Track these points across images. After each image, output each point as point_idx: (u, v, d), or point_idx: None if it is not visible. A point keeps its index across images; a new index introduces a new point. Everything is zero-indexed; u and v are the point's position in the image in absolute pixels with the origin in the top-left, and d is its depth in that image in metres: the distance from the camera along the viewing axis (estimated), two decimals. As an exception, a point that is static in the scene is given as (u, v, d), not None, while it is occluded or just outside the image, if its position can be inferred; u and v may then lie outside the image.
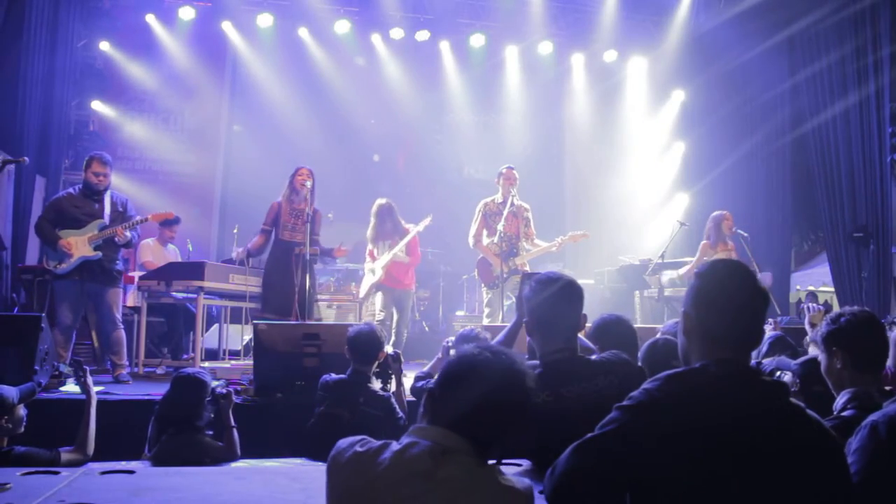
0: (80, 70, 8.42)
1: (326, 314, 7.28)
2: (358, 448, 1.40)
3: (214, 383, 3.45)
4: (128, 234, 5.22)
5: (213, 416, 3.33)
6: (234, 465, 3.17)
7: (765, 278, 6.76)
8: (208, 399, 3.28)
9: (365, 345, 3.60)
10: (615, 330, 2.93)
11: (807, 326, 3.62)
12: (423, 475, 1.32)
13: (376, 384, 3.70)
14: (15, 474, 1.98)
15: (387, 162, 10.80)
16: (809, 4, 8.58)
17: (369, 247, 6.43)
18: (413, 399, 3.73)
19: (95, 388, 3.58)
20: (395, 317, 6.35)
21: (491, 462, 1.43)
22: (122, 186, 7.99)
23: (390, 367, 3.74)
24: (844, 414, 2.12)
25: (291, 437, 3.57)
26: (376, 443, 1.41)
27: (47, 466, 2.43)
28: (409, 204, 7.20)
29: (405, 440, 1.40)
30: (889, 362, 2.15)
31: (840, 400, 2.19)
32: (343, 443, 1.44)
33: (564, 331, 2.25)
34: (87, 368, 3.56)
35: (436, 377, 1.49)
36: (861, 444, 1.73)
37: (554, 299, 2.24)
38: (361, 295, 6.66)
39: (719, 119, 9.98)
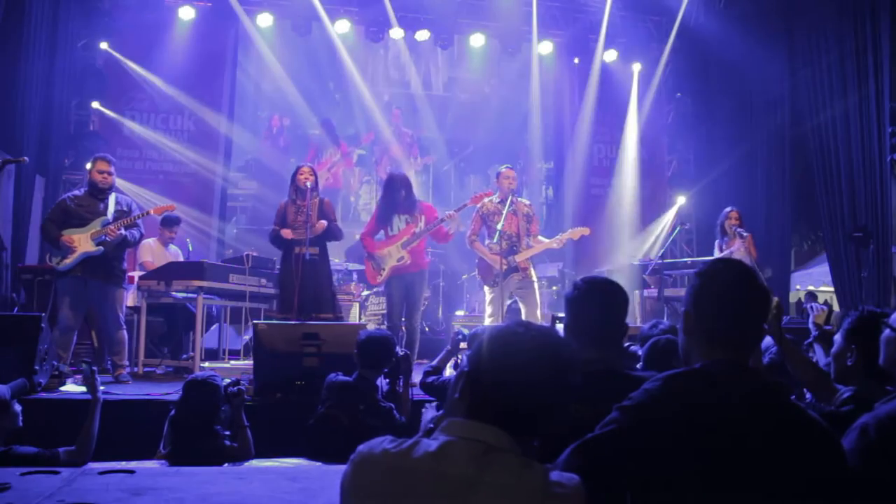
0: (80, 70, 8.39)
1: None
2: (389, 447, 1.25)
3: (225, 381, 3.46)
4: (121, 231, 5.17)
5: (227, 415, 3.33)
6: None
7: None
8: (221, 399, 3.29)
9: (375, 351, 3.54)
10: None
11: (811, 326, 3.61)
12: (467, 481, 1.17)
13: (384, 383, 3.69)
14: (15, 474, 1.98)
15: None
16: (809, 4, 8.57)
17: (375, 227, 5.79)
18: (418, 398, 3.72)
19: (95, 389, 3.57)
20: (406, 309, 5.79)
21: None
22: (122, 186, 7.98)
23: (400, 368, 3.70)
24: (842, 409, 2.14)
25: (291, 436, 3.57)
26: (407, 441, 1.26)
27: (47, 466, 2.43)
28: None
29: (442, 438, 1.24)
30: (881, 360, 2.16)
31: (842, 395, 2.21)
32: (368, 445, 1.28)
33: (599, 339, 1.98)
34: (95, 369, 3.57)
35: (474, 360, 1.30)
36: (851, 446, 1.73)
37: (589, 304, 2.01)
38: (383, 279, 5.70)
39: (719, 119, 9.98)
